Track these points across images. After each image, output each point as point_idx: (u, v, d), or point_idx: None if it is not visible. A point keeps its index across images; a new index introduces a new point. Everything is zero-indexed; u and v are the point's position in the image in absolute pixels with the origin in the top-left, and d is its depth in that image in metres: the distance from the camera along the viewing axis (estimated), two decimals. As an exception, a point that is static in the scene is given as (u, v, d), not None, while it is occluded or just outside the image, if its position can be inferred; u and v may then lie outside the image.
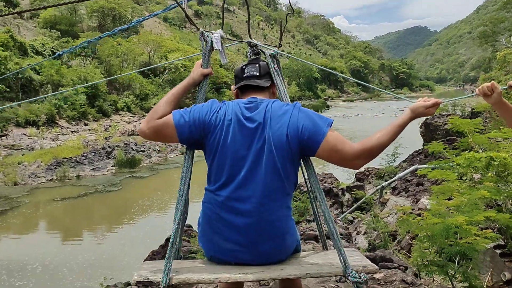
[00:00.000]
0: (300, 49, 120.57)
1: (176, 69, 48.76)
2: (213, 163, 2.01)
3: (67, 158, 24.68)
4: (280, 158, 1.97)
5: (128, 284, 7.01)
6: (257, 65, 2.16)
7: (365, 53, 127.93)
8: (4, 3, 54.59)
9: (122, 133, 39.42)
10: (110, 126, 44.79)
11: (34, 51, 52.42)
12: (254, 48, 2.27)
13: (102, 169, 22.51)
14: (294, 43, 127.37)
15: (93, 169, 22.61)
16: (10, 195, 17.67)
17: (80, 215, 15.30)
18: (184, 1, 2.15)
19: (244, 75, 2.15)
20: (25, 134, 39.57)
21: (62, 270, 9.79)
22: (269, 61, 2.22)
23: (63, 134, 40.65)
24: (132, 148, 27.06)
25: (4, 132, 39.06)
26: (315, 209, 2.36)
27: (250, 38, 2.35)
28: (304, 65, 78.15)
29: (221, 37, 2.20)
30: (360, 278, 1.90)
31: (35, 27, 56.01)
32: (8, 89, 44.62)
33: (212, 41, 2.17)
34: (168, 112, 2.03)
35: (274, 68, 2.21)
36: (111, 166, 23.14)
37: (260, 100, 2.05)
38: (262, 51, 2.27)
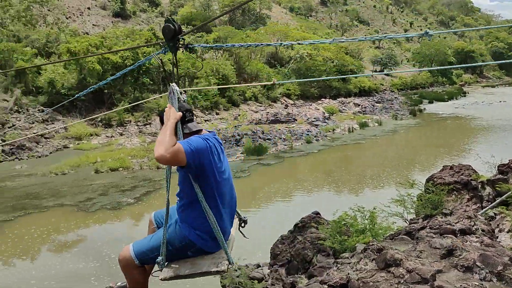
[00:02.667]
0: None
1: (301, 58, 49.09)
2: (216, 180, 2.99)
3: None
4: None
5: (258, 265, 7.30)
6: (190, 111, 3.23)
7: (510, 33, 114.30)
8: (148, 4, 60.18)
9: (250, 122, 40.96)
10: (239, 115, 46.91)
11: (173, 46, 57.04)
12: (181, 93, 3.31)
13: (232, 156, 23.76)
14: (426, 26, 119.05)
15: (224, 155, 23.96)
16: (153, 178, 19.62)
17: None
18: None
19: (188, 114, 3.19)
20: (165, 123, 43.50)
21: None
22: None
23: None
24: (259, 136, 28.03)
25: (148, 121, 43.38)
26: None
27: (178, 84, 3.35)
28: (437, 49, 72.73)
29: (177, 90, 3.22)
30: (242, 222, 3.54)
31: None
32: (151, 82, 49.35)
33: (176, 91, 3.23)
34: (175, 142, 2.78)
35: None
36: (240, 153, 24.28)
37: (210, 134, 3.30)
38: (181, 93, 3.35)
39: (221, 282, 7.18)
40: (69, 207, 15.21)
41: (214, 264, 2.71)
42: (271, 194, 15.74)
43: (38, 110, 44.01)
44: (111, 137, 39.82)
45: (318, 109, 43.26)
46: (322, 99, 55.56)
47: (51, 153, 35.24)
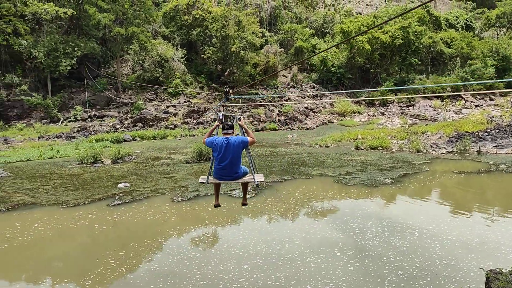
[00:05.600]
0: None
1: None
2: (213, 154, 7.18)
3: (468, 132, 24.36)
4: (237, 151, 7.01)
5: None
6: (228, 126, 7.16)
7: None
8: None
9: (533, 111, 35.14)
10: (519, 102, 40.86)
11: (448, 24, 53.23)
12: (227, 118, 7.65)
13: (506, 148, 21.02)
14: None
15: (496, 146, 21.42)
16: (412, 161, 19.19)
17: (473, 191, 14.85)
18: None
19: (225, 127, 7.14)
20: (429, 106, 41.60)
21: (434, 243, 9.75)
22: (235, 122, 7.50)
23: (466, 108, 40.19)
24: (544, 129, 23.86)
25: (412, 102, 42.28)
26: (252, 162, 7.23)
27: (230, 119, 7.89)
28: None
29: (223, 115, 7.48)
30: (258, 183, 7.49)
31: (450, 0, 56.50)
32: (419, 62, 47.63)
33: (219, 115, 7.44)
34: (206, 137, 7.33)
35: (237, 122, 7.45)
36: (516, 146, 21.26)
37: (230, 137, 7.04)
38: (233, 116, 7.77)
39: (488, 284, 6.55)
40: (329, 177, 16.39)
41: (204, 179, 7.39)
42: (552, 198, 13.30)
43: (310, 86, 48.24)
44: (373, 116, 40.62)
45: None
46: None
47: (317, 126, 38.50)
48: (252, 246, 9.86)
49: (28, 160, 22.67)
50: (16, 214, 12.65)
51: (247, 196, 7.91)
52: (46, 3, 38.19)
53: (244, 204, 7.89)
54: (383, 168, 17.82)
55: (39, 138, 31.59)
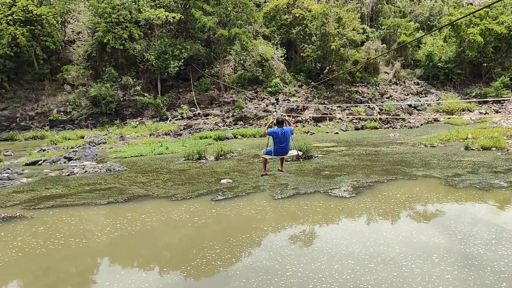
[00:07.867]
0: None
1: None
2: (275, 139, 10.92)
3: None
4: (289, 136, 10.98)
5: None
6: (281, 122, 11.03)
7: None
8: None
9: None
10: None
11: None
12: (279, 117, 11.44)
13: None
14: None
15: None
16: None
17: None
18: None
19: (279, 122, 10.99)
20: (553, 102, 37.35)
21: None
22: (285, 117, 11.56)
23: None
24: None
25: (531, 98, 38.35)
26: (295, 144, 11.83)
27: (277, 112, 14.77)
28: None
29: (277, 114, 11.82)
30: (300, 155, 12.00)
31: None
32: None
33: (275, 114, 11.77)
34: (266, 128, 11.22)
35: (285, 118, 11.35)
36: None
37: (284, 127, 10.96)
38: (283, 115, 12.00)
39: None
40: (435, 179, 15.54)
41: (270, 156, 11.23)
42: None
43: (414, 82, 45.97)
44: (485, 113, 37.59)
45: None
46: None
47: (421, 124, 36.61)
48: (345, 246, 9.73)
49: (141, 155, 24.66)
50: (128, 205, 13.85)
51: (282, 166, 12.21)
52: (157, 9, 41.06)
53: (281, 170, 12.02)
54: (497, 170, 16.45)
55: (150, 135, 34.14)
